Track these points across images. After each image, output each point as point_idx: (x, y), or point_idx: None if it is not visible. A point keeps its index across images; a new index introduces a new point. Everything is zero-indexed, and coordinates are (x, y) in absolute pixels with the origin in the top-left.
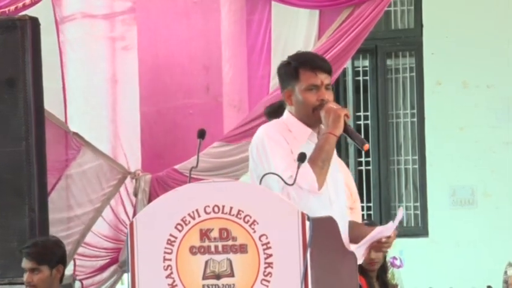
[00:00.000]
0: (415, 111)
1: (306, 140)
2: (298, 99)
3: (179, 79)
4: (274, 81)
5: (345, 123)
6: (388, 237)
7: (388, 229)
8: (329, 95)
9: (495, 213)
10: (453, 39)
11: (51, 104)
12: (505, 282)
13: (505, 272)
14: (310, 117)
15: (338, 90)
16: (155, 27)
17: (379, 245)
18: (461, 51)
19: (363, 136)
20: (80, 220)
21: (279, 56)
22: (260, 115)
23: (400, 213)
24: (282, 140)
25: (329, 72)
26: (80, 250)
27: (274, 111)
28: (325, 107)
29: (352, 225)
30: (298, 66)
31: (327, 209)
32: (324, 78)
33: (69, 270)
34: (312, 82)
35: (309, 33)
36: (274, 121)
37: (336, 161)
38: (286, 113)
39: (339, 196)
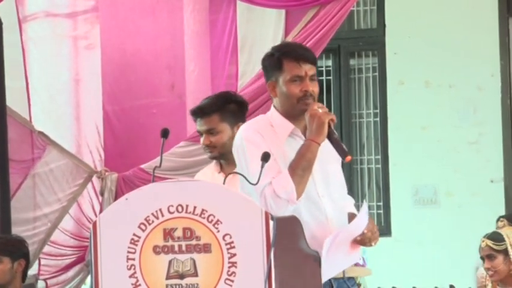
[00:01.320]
0: (378, 110)
1: (287, 136)
2: (282, 90)
3: (143, 78)
4: (242, 80)
5: (330, 129)
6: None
7: (358, 225)
8: (314, 86)
9: (458, 212)
10: (416, 39)
11: (15, 102)
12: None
13: (477, 271)
14: (295, 109)
15: None
16: (119, 26)
17: (363, 240)
18: (424, 51)
19: None
20: (46, 219)
21: (246, 55)
22: None
23: (365, 207)
24: (260, 141)
25: (314, 62)
26: (46, 249)
27: None
28: (310, 110)
29: (350, 216)
30: (281, 57)
31: (315, 204)
32: (308, 69)
33: (34, 270)
34: (296, 73)
35: (276, 33)
36: (258, 117)
37: (327, 151)
38: (271, 108)
39: (330, 189)
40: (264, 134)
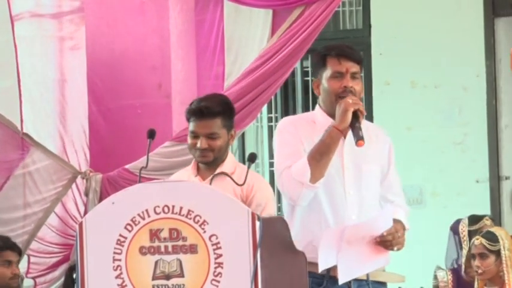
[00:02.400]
0: None
1: (324, 131)
2: (324, 87)
3: (129, 78)
4: (228, 81)
5: (355, 118)
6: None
7: (373, 226)
8: (355, 84)
9: (443, 212)
10: (401, 39)
11: (4, 102)
12: (435, 287)
13: (435, 276)
14: (334, 105)
15: (287, 90)
16: (105, 26)
17: (385, 241)
18: (409, 52)
19: None
20: (30, 220)
21: (233, 56)
22: None
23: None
24: (293, 132)
25: (357, 61)
26: (35, 246)
27: None
28: (342, 100)
29: None
30: (325, 54)
31: (339, 199)
32: (349, 66)
33: (23, 268)
34: (337, 69)
35: (263, 33)
36: (303, 114)
37: (369, 152)
38: (316, 106)
39: (361, 188)
40: (300, 127)
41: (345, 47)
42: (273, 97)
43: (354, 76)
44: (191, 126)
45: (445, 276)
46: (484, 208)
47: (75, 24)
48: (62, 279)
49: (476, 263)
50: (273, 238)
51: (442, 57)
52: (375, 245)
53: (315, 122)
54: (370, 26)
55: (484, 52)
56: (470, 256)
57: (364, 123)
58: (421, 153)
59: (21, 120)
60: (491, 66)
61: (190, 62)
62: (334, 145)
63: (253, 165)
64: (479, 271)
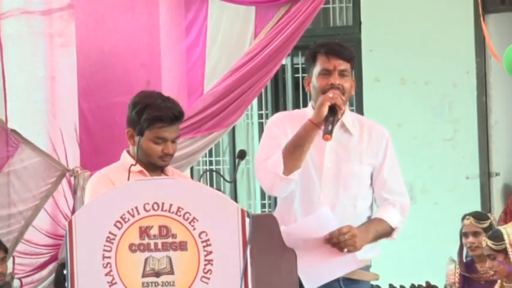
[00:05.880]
0: (353, 108)
1: None
2: (313, 84)
3: (119, 75)
4: (208, 78)
5: (331, 113)
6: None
7: (320, 225)
8: (344, 82)
9: (433, 209)
10: (391, 36)
11: None
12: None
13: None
14: None
15: (277, 87)
16: (94, 23)
17: (334, 245)
18: (400, 48)
19: None
20: (20, 217)
21: (214, 54)
22: (198, 112)
23: (322, 211)
24: (281, 127)
25: (346, 59)
26: (21, 248)
27: None
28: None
29: (371, 221)
30: (316, 52)
31: (313, 197)
32: (338, 64)
33: (9, 269)
34: (325, 66)
35: (245, 31)
36: (296, 110)
37: (355, 151)
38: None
39: (339, 189)
40: (290, 123)
41: (334, 45)
42: (263, 94)
43: (342, 74)
44: (158, 132)
45: (454, 269)
46: (474, 205)
47: (65, 21)
48: (51, 277)
49: (488, 264)
50: (263, 235)
51: (432, 53)
52: (332, 248)
53: (305, 118)
54: (360, 23)
55: (474, 49)
56: (464, 236)
57: (360, 120)
58: (411, 149)
59: (6, 119)
60: (481, 62)
61: (180, 60)
62: (308, 138)
63: (243, 162)
64: (491, 272)
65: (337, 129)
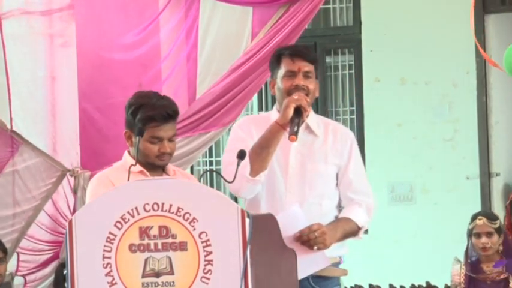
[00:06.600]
0: (354, 108)
1: None
2: (278, 86)
3: (118, 75)
4: (201, 78)
5: (297, 114)
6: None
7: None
8: (308, 83)
9: (433, 209)
10: (391, 36)
11: None
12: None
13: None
14: None
15: None
16: (94, 23)
17: (304, 242)
18: (400, 48)
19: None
20: (20, 218)
21: (207, 54)
22: (196, 111)
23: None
24: (246, 130)
25: (310, 61)
26: (25, 244)
27: None
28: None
29: (338, 220)
30: (280, 54)
31: (278, 198)
32: (302, 66)
33: (13, 266)
34: (290, 68)
35: (242, 31)
36: (262, 113)
37: (320, 151)
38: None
39: (304, 189)
40: (256, 125)
41: (298, 47)
42: (263, 93)
43: (306, 75)
44: (153, 131)
45: (459, 269)
46: (474, 205)
47: (65, 21)
48: (53, 276)
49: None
50: (263, 235)
51: (433, 53)
52: (302, 246)
53: (270, 120)
54: (360, 23)
55: (474, 49)
56: (475, 236)
57: (325, 122)
58: (411, 149)
59: (11, 119)
60: (481, 62)
61: (179, 59)
62: (274, 139)
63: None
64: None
65: (302, 130)
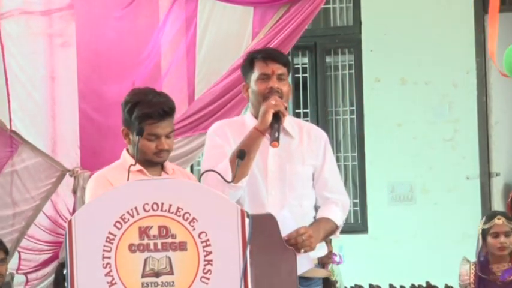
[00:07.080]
0: (354, 108)
1: None
2: (252, 89)
3: (118, 75)
4: (198, 78)
5: (276, 120)
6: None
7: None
8: (282, 85)
9: (433, 209)
10: (391, 36)
11: None
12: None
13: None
14: (261, 105)
15: None
16: (94, 23)
17: (291, 245)
18: (400, 48)
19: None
20: (20, 218)
21: (206, 53)
22: (196, 111)
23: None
24: (222, 135)
25: (283, 63)
26: (25, 243)
27: None
28: (265, 102)
29: (317, 220)
30: (253, 58)
31: (260, 200)
32: (276, 68)
33: (14, 265)
34: (263, 71)
35: (243, 31)
36: (235, 117)
37: (298, 152)
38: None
39: (285, 190)
40: (230, 130)
41: (271, 50)
42: None
43: (280, 78)
44: (150, 128)
45: (468, 269)
46: (474, 205)
47: (64, 21)
48: (53, 275)
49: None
50: (263, 235)
51: (433, 53)
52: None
53: (244, 124)
54: (360, 23)
55: (474, 49)
56: (492, 235)
57: (297, 122)
58: (411, 149)
59: (10, 119)
60: (481, 62)
61: (179, 59)
62: (254, 145)
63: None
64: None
65: None
